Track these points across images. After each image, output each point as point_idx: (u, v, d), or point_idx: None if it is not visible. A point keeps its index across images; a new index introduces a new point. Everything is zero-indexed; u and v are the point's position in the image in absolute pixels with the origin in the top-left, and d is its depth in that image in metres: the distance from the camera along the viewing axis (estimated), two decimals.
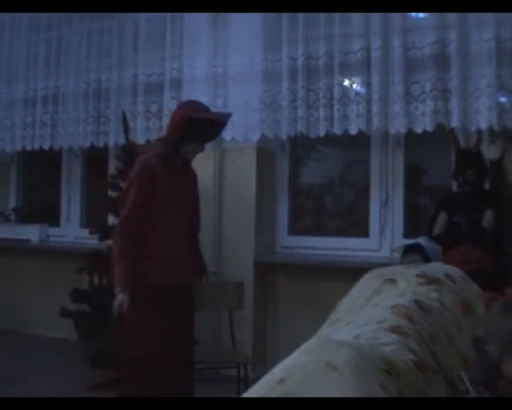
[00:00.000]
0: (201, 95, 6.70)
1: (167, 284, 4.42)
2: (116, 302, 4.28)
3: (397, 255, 5.42)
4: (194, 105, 4.69)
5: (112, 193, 6.46)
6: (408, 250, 4.69)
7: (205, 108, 4.67)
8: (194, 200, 4.82)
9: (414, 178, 6.74)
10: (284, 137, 6.48)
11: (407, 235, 6.32)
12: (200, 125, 4.45)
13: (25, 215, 8.78)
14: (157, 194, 4.44)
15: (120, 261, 4.39)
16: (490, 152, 6.05)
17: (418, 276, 3.88)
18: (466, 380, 2.69)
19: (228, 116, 4.90)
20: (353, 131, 6.12)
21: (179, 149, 4.52)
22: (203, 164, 6.72)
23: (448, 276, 3.88)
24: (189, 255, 4.68)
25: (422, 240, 4.75)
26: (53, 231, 8.50)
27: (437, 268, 4.03)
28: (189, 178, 4.76)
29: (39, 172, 8.90)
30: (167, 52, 7.05)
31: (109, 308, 4.38)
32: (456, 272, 4.02)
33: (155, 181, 4.43)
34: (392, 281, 3.87)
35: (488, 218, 5.42)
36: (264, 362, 6.31)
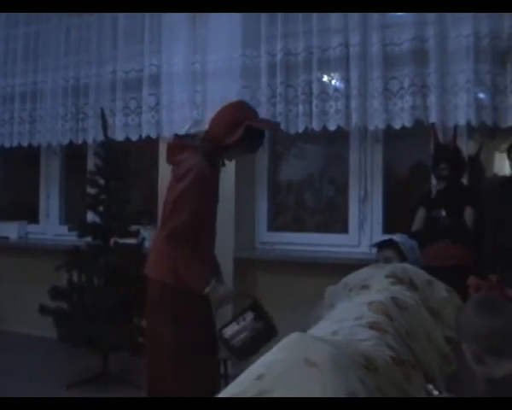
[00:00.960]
0: (180, 91, 6.72)
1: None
2: (217, 300, 4.19)
3: (375, 251, 5.45)
4: (250, 110, 4.44)
5: (90, 190, 6.45)
6: (382, 246, 4.71)
7: (257, 114, 4.52)
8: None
9: (393, 173, 6.75)
10: None
11: (386, 231, 6.33)
12: (253, 133, 4.29)
13: (3, 213, 8.72)
14: (208, 199, 4.27)
15: (190, 269, 4.13)
16: (469, 148, 6.10)
17: (387, 276, 3.90)
18: (432, 389, 2.70)
19: (279, 126, 4.89)
20: (332, 127, 6.13)
21: (226, 152, 4.34)
22: None
23: (411, 283, 3.91)
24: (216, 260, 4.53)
25: (397, 236, 4.78)
26: (32, 228, 8.45)
27: (403, 271, 4.05)
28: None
29: (17, 169, 8.84)
30: (146, 48, 7.01)
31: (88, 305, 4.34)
32: (420, 276, 4.04)
33: (209, 186, 4.23)
34: (364, 287, 3.89)
35: (468, 215, 5.44)
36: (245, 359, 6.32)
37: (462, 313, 2.61)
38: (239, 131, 4.18)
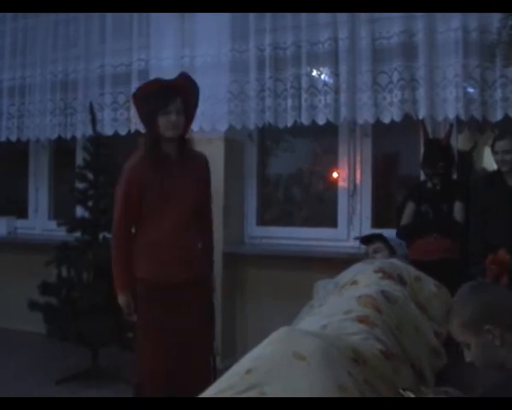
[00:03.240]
0: None
1: (162, 280, 4.35)
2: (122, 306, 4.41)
3: (363, 247, 5.46)
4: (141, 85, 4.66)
5: (79, 184, 6.44)
6: (372, 239, 4.73)
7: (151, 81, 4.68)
8: (199, 190, 4.56)
9: (382, 168, 6.75)
10: (252, 127, 6.47)
11: (375, 225, 6.34)
12: (149, 98, 4.30)
13: None
14: (146, 196, 4.32)
15: (114, 266, 4.44)
16: (458, 143, 6.10)
17: (375, 271, 3.91)
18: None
19: (179, 77, 4.55)
20: (321, 122, 6.12)
21: (158, 133, 4.30)
22: None
23: (400, 277, 3.92)
24: (191, 252, 4.52)
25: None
26: (21, 223, 8.42)
27: (391, 266, 4.06)
28: (192, 168, 4.48)
29: (6, 164, 8.81)
30: (134, 42, 6.99)
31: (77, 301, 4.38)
32: (409, 272, 4.05)
33: (139, 186, 4.30)
34: (354, 282, 3.90)
35: (458, 210, 5.45)
36: (233, 353, 6.31)
37: (468, 302, 2.59)
38: (136, 106, 4.45)
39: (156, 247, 4.38)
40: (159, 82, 4.49)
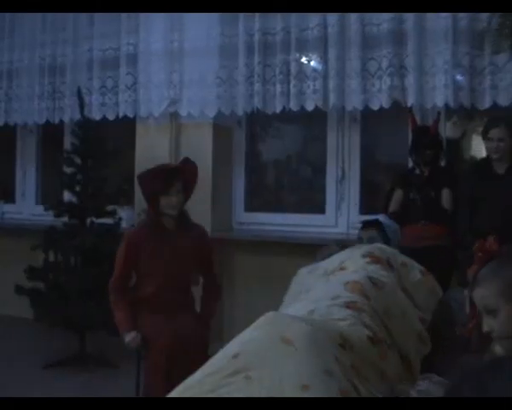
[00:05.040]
0: (157, 70, 6.69)
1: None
2: (129, 344, 4.58)
3: (353, 231, 5.45)
4: (146, 169, 4.99)
5: (67, 169, 6.42)
6: (367, 225, 4.72)
7: (155, 167, 4.96)
8: (195, 258, 4.95)
9: (370, 154, 6.76)
10: (241, 113, 6.46)
11: (363, 211, 6.35)
12: (154, 180, 4.74)
13: None
14: (143, 259, 4.75)
15: (115, 311, 4.74)
16: (446, 130, 6.11)
17: (363, 256, 3.91)
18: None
19: (182, 162, 5.06)
20: (310, 108, 6.12)
21: (159, 210, 4.74)
22: (159, 140, 6.73)
23: (388, 262, 3.92)
24: (187, 315, 4.84)
25: (382, 217, 4.79)
26: (8, 207, 8.41)
27: (380, 251, 4.06)
28: (187, 238, 4.87)
29: None
30: (123, 26, 6.96)
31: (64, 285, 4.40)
32: (397, 257, 4.06)
33: (138, 251, 4.74)
34: (342, 268, 3.90)
35: (446, 197, 5.47)
36: (221, 338, 6.31)
37: (504, 271, 2.55)
38: (141, 187, 4.86)
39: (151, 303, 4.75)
40: (163, 167, 5.01)
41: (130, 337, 4.55)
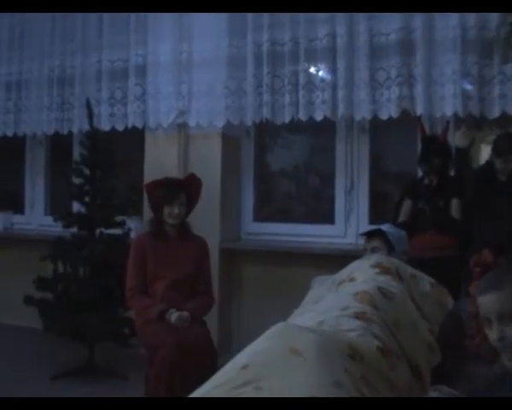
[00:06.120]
0: (166, 81, 6.70)
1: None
2: (178, 319, 4.83)
3: (362, 242, 5.44)
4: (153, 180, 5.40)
5: (76, 180, 6.43)
6: (370, 235, 4.70)
7: (162, 178, 5.32)
8: (194, 266, 5.20)
9: (379, 164, 6.74)
10: (249, 123, 6.47)
11: (372, 221, 6.32)
12: (160, 191, 5.15)
13: None
14: (149, 265, 5.08)
15: (141, 311, 5.07)
16: (455, 139, 6.10)
17: (373, 266, 3.89)
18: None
19: (188, 176, 5.46)
20: (318, 118, 6.12)
21: (162, 219, 5.15)
22: (168, 151, 6.74)
23: (398, 273, 3.91)
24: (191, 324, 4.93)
25: (385, 226, 4.77)
26: (17, 218, 8.42)
27: (389, 261, 4.05)
28: (189, 247, 5.22)
29: (2, 159, 8.79)
30: (132, 37, 6.98)
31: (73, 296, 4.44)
32: (405, 269, 4.04)
33: (145, 256, 5.10)
34: (351, 279, 3.89)
35: (455, 207, 5.45)
36: (230, 349, 6.30)
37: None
38: (148, 197, 5.30)
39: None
40: (169, 179, 5.31)
41: (176, 316, 4.81)
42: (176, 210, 5.10)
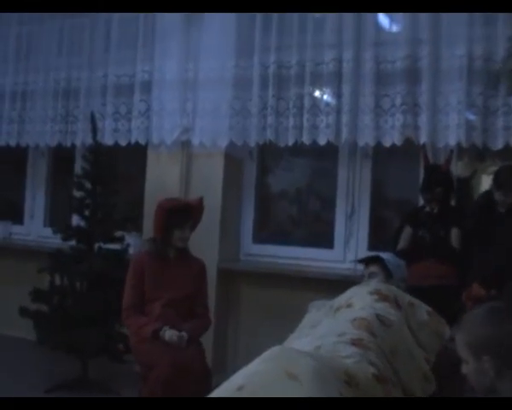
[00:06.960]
0: (171, 98, 6.70)
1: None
2: (176, 338, 4.79)
3: (360, 267, 5.43)
4: (166, 200, 5.27)
5: (77, 193, 6.42)
6: (368, 261, 4.70)
7: (175, 200, 5.45)
8: (192, 287, 5.20)
9: (380, 190, 6.74)
10: (253, 144, 6.47)
11: (371, 247, 6.32)
12: (173, 213, 5.08)
13: None
14: (147, 285, 5.06)
15: (136, 330, 5.00)
16: (457, 169, 6.10)
17: (371, 293, 3.89)
18: None
19: (198, 200, 5.29)
20: (322, 142, 6.11)
21: (169, 241, 5.12)
22: (170, 168, 6.73)
23: (396, 300, 3.90)
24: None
25: (385, 255, 4.76)
26: (16, 228, 8.41)
27: (388, 289, 4.05)
28: (187, 268, 5.22)
29: (4, 168, 8.78)
30: (139, 53, 6.99)
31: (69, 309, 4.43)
32: (403, 297, 4.04)
33: (143, 276, 5.08)
34: (349, 305, 3.88)
35: (455, 236, 5.45)
36: (225, 370, 6.28)
37: (479, 326, 2.57)
38: (160, 218, 5.12)
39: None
40: (182, 202, 5.43)
41: (171, 335, 4.78)
42: (186, 234, 5.15)
